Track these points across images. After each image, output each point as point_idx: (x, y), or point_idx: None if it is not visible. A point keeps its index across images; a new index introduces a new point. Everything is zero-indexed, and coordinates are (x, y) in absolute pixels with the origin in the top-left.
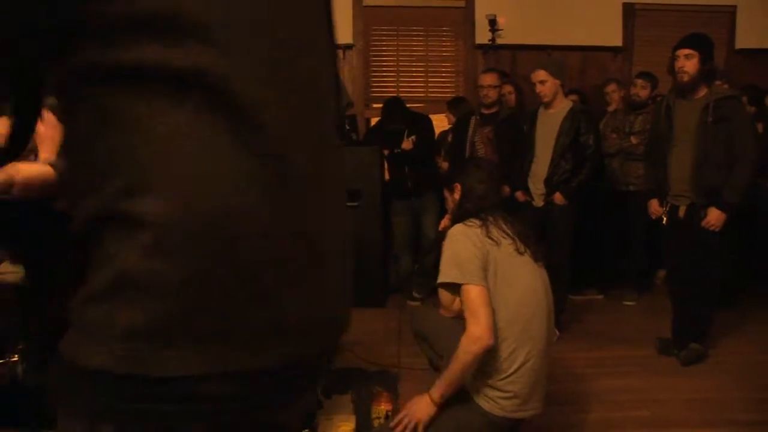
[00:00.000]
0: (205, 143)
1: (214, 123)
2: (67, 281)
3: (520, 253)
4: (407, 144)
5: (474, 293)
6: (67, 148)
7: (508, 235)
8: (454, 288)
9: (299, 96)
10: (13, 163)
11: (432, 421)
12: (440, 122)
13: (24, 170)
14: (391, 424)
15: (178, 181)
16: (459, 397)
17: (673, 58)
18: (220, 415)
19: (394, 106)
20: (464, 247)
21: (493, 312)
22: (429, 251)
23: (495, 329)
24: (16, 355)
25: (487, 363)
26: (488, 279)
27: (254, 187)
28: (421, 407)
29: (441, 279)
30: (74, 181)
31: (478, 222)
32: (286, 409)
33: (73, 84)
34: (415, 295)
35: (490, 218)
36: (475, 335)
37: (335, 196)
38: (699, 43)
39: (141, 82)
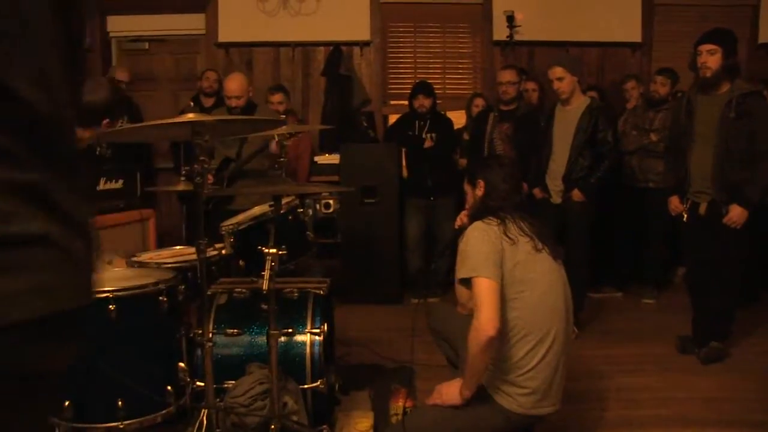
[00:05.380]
0: None
1: None
2: None
3: (538, 251)
4: (428, 142)
5: (483, 286)
6: None
7: (525, 233)
8: (471, 284)
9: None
10: None
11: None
12: (459, 119)
13: None
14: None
15: None
16: (477, 394)
17: (696, 54)
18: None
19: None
20: (482, 243)
21: (505, 307)
22: (443, 253)
23: (502, 323)
24: None
25: (505, 359)
26: (505, 277)
27: None
28: (451, 395)
29: (459, 275)
30: None
31: (496, 220)
32: (48, 358)
33: None
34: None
35: (509, 217)
36: (476, 326)
37: None
38: (722, 38)
39: None
